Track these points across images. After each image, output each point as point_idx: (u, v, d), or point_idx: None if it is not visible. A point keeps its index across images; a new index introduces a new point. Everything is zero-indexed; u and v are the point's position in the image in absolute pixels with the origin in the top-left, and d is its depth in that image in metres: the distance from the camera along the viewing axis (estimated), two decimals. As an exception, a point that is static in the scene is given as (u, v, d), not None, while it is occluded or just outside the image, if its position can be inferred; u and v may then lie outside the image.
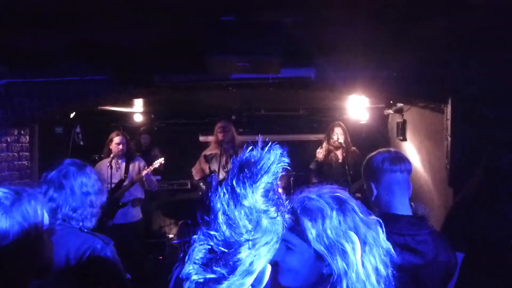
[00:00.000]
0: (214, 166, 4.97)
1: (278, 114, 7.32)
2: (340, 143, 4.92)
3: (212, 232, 0.90)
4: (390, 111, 6.70)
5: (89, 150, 6.50)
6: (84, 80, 3.92)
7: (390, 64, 3.49)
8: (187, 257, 0.92)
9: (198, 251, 0.91)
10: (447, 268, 1.84)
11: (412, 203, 2.19)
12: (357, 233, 1.17)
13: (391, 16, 2.96)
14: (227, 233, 0.89)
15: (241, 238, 0.89)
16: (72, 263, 1.83)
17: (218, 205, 0.90)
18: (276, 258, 1.27)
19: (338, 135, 4.95)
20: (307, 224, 1.19)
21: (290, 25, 3.10)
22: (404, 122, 6.07)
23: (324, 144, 5.07)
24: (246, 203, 0.89)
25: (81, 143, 6.43)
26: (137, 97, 4.30)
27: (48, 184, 1.96)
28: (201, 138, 7.45)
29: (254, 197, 0.90)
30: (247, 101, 6.44)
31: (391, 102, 4.86)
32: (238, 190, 0.89)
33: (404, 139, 6.06)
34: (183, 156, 6.43)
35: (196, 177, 5.11)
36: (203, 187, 4.96)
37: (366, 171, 2.06)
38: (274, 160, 0.92)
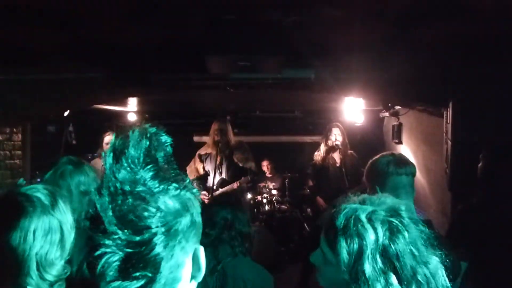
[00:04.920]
0: (209, 166, 4.92)
1: (273, 116, 7.28)
2: (337, 144, 4.88)
3: (114, 237, 0.74)
4: (386, 114, 6.69)
5: (82, 149, 6.41)
6: (79, 78, 3.85)
7: (389, 66, 3.47)
8: (98, 278, 0.77)
9: (108, 266, 0.75)
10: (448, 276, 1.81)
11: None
12: (402, 272, 1.03)
13: (391, 18, 2.95)
14: (129, 231, 0.74)
15: (150, 230, 0.75)
16: (74, 265, 1.78)
17: (106, 204, 0.76)
18: (314, 262, 1.22)
19: (336, 136, 4.92)
20: (343, 247, 1.06)
21: (290, 25, 3.08)
22: (400, 125, 6.06)
23: (322, 146, 5.02)
24: (136, 189, 0.76)
25: (74, 142, 6.35)
26: (134, 96, 4.24)
27: (44, 185, 1.90)
28: (196, 138, 7.40)
29: (143, 181, 0.77)
30: (243, 102, 6.40)
31: (389, 105, 4.83)
32: (120, 177, 0.76)
33: (400, 142, 6.05)
34: (177, 156, 6.37)
35: (190, 177, 5.03)
36: (197, 187, 4.88)
37: (370, 175, 2.03)
38: (146, 137, 0.79)
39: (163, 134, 0.84)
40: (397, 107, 5.96)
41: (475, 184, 2.56)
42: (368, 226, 1.06)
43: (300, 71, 3.54)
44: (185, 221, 0.81)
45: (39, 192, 1.27)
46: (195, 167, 5.04)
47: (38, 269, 1.17)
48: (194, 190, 0.88)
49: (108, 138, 4.92)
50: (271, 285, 2.08)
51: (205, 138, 7.37)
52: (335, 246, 1.08)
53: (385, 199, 1.16)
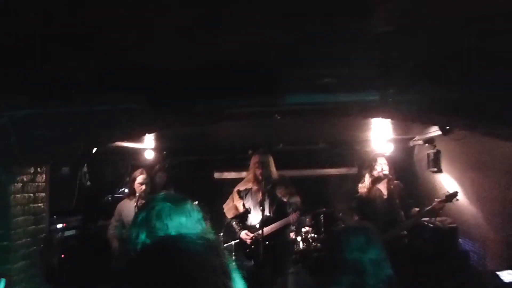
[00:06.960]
0: (249, 203, 4.47)
1: (297, 149, 6.91)
2: (385, 174, 4.50)
3: None
4: (418, 142, 6.40)
5: (96, 191, 5.95)
6: (113, 109, 3.47)
7: (458, 84, 3.16)
8: None
9: None
10: None
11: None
12: None
13: (468, 31, 2.67)
14: None
15: None
16: None
17: None
18: None
19: (382, 165, 4.53)
20: None
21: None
22: (438, 152, 5.77)
23: (367, 177, 4.62)
24: None
25: (88, 183, 5.89)
26: (175, 127, 3.80)
27: (138, 228, 1.48)
28: (216, 175, 6.97)
29: None
30: (268, 135, 6.04)
31: (447, 128, 4.45)
32: None
33: (439, 171, 5.73)
34: (197, 195, 5.94)
35: (229, 216, 4.59)
36: (237, 226, 4.43)
37: None
38: None
39: None
40: (431, 134, 5.71)
41: None
42: None
43: (363, 94, 3.21)
44: None
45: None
46: (233, 205, 4.58)
47: None
48: None
49: (142, 177, 4.54)
50: None
51: (226, 174, 6.97)
52: None
53: None
